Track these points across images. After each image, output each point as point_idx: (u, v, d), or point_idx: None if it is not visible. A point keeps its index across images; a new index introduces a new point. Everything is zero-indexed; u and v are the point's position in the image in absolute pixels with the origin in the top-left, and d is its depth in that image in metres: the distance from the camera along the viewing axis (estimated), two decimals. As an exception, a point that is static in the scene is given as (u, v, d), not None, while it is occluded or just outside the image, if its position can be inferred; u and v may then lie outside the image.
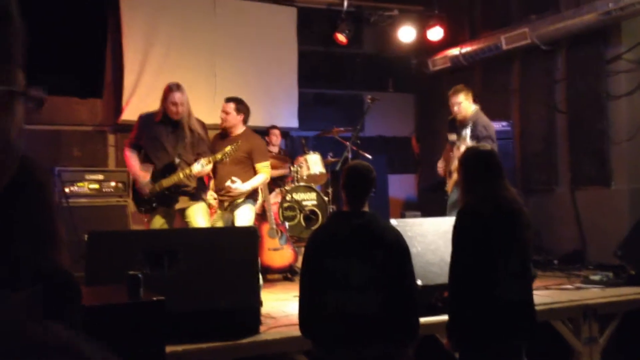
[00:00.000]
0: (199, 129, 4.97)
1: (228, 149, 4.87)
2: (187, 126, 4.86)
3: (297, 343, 3.66)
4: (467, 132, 5.67)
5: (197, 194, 5.01)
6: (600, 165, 6.86)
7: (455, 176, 5.47)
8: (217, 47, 8.06)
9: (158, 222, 4.95)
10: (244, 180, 5.17)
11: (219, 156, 4.87)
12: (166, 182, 4.84)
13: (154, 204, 4.90)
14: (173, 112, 4.81)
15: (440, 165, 6.15)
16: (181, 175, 4.80)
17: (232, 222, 5.29)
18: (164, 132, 4.88)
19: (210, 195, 5.35)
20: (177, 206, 4.96)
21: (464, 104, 5.89)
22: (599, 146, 6.86)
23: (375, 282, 2.77)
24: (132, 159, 4.94)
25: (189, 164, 4.85)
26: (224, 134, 5.39)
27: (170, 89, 4.81)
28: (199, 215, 4.97)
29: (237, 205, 5.26)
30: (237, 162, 5.19)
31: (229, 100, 5.32)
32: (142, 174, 4.85)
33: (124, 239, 4.18)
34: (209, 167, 4.91)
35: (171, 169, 4.86)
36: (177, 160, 4.85)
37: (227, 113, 5.26)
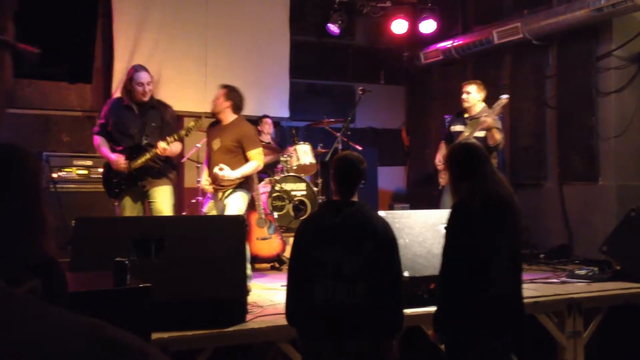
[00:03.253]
0: (167, 112, 4.99)
1: (191, 124, 4.90)
2: (155, 108, 4.89)
3: (283, 332, 3.67)
4: (477, 122, 5.70)
5: (162, 175, 5.02)
6: (588, 161, 6.89)
7: None
8: (209, 36, 8.01)
9: (128, 205, 4.96)
10: (234, 169, 5.15)
11: (182, 132, 4.90)
12: (134, 164, 4.85)
13: (123, 187, 4.91)
14: (140, 93, 4.85)
15: (439, 158, 6.08)
16: (148, 155, 4.81)
17: (224, 212, 5.27)
18: (130, 116, 4.92)
19: (206, 180, 5.32)
20: (145, 188, 4.98)
21: (473, 95, 5.92)
22: (588, 142, 6.89)
23: (363, 273, 2.77)
24: (103, 146, 4.97)
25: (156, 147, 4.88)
26: (215, 123, 5.37)
27: (135, 69, 4.88)
28: (163, 196, 4.98)
29: (230, 195, 5.24)
30: (227, 151, 5.14)
31: (223, 86, 5.31)
32: (117, 155, 4.87)
33: (111, 225, 4.17)
34: (177, 145, 4.93)
35: (139, 150, 4.87)
36: (144, 142, 4.86)
37: (216, 97, 5.25)
